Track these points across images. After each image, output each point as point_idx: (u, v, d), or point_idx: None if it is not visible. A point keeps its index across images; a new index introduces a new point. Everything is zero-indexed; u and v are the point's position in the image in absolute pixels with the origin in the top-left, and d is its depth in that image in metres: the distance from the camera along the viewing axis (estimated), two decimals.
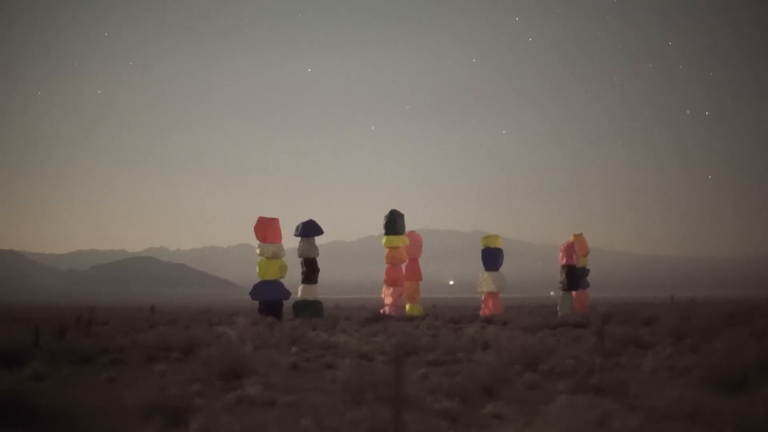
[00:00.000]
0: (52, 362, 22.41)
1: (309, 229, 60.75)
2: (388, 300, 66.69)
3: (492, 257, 65.43)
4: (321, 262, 61.78)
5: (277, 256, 57.77)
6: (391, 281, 66.70)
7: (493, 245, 66.01)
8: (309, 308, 58.58)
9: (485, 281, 65.10)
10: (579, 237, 68.95)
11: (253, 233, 58.30)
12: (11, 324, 46.03)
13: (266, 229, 58.11)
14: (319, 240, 61.59)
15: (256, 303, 58.08)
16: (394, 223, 66.34)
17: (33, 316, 65.12)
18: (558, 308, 63.72)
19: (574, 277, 64.73)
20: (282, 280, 57.92)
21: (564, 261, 65.02)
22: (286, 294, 57.46)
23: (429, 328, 42.40)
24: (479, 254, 66.40)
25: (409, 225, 68.49)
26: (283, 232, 59.09)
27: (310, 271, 60.39)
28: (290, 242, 62.53)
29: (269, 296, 56.72)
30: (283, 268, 57.84)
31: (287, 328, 38.94)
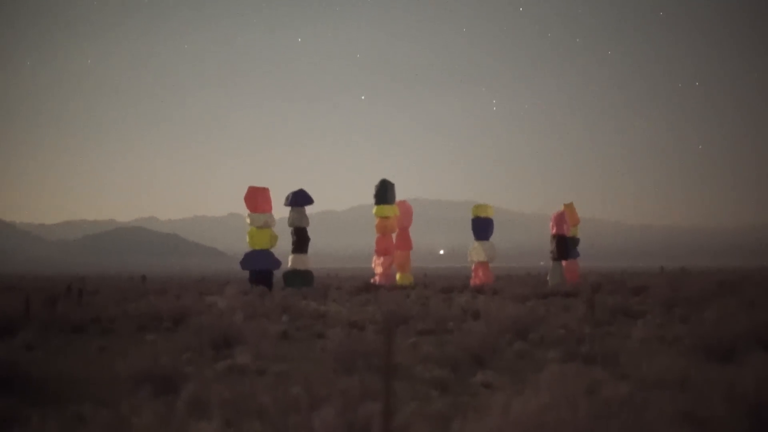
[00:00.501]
0: (43, 332, 22.39)
1: (299, 199, 60.64)
2: (379, 269, 66.72)
3: (482, 227, 65.43)
4: (311, 232, 61.72)
5: (267, 225, 57.69)
6: (382, 251, 66.70)
7: (483, 215, 66.00)
8: (299, 278, 58.59)
9: (476, 251, 65.14)
10: (569, 207, 68.94)
11: (243, 203, 58.19)
12: (1, 294, 45.96)
13: (256, 198, 57.99)
14: (309, 209, 61.49)
15: (247, 272, 58.08)
16: (384, 192, 66.25)
17: (23, 286, 65.01)
18: (548, 278, 63.82)
19: (565, 246, 64.78)
20: (272, 250, 57.88)
21: (554, 231, 65.04)
22: (277, 263, 57.45)
23: (419, 297, 42.46)
24: (470, 224, 66.39)
25: (400, 194, 68.42)
26: (273, 201, 59.01)
27: (301, 241, 60.34)
28: (281, 212, 62.55)
29: (260, 266, 56.71)
30: (274, 238, 57.79)
31: (278, 297, 38.96)
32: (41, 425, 6.88)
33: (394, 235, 67.75)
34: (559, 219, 65.16)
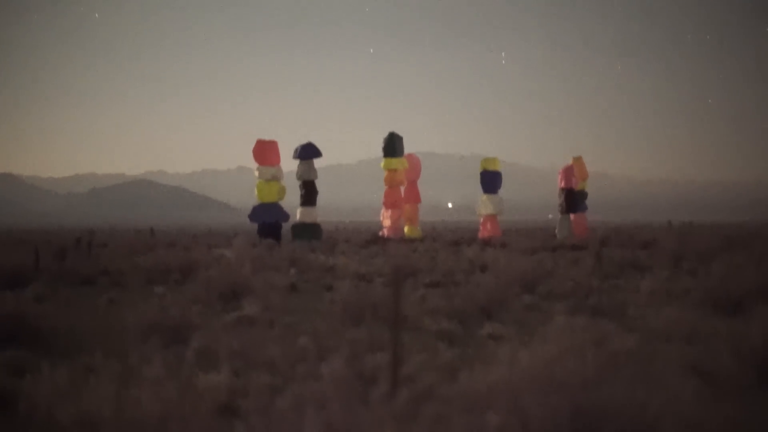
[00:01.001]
0: (53, 284, 22.49)
1: (308, 152, 60.49)
2: (387, 223, 66.72)
3: (491, 180, 65.31)
4: (320, 185, 61.64)
5: (275, 178, 57.65)
6: (390, 204, 66.64)
7: (492, 168, 65.86)
8: (308, 231, 58.63)
9: (484, 204, 65.10)
10: (578, 160, 68.73)
11: (251, 156, 58.11)
12: (11, 247, 46.12)
13: (265, 151, 57.89)
14: (317, 162, 61.36)
15: (255, 225, 58.14)
16: (392, 145, 66.05)
17: (32, 239, 65.20)
18: (556, 231, 63.81)
19: (573, 200, 64.70)
20: (281, 203, 57.87)
21: (563, 184, 64.92)
22: (285, 216, 57.49)
23: (427, 250, 42.52)
24: (478, 177, 66.27)
25: (408, 147, 68.20)
26: (281, 154, 58.87)
27: (309, 194, 60.30)
28: (289, 165, 62.40)
29: (268, 219, 56.76)
30: (282, 191, 57.76)
31: (286, 250, 39.05)
32: (52, 376, 6.92)
33: (402, 189, 67.67)
34: (568, 173, 65.01)
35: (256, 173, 58.04)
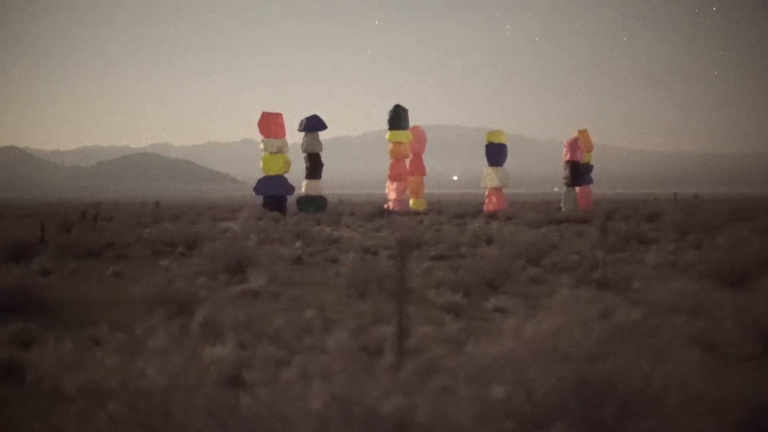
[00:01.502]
0: (59, 257, 22.57)
1: (313, 124, 60.45)
2: (392, 195, 66.73)
3: (496, 153, 65.21)
4: (325, 158, 61.66)
5: (281, 151, 57.67)
6: (395, 176, 66.61)
7: (497, 141, 65.76)
8: (313, 203, 58.70)
9: (489, 176, 65.05)
10: (583, 133, 68.64)
11: (257, 128, 58.09)
12: (17, 220, 46.21)
13: (270, 124, 57.88)
14: (322, 135, 61.33)
15: (261, 198, 58.19)
16: (398, 118, 65.94)
17: (38, 212, 65.32)
18: (562, 204, 63.85)
19: (578, 173, 64.68)
20: (286, 175, 57.88)
21: (568, 157, 64.89)
22: (290, 189, 57.55)
23: (433, 223, 42.60)
24: (483, 150, 66.18)
25: (413, 120, 68.10)
26: (286, 127, 58.94)
27: (314, 167, 60.33)
28: (294, 137, 62.42)
29: (273, 191, 56.82)
30: (287, 163, 57.78)
31: (291, 222, 39.11)
32: (57, 347, 6.95)
33: (407, 161, 67.63)
34: (573, 145, 64.94)
35: (261, 146, 58.05)
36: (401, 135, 66.02)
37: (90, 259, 23.04)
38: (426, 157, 70.71)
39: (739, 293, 12.61)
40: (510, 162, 66.87)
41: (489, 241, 26.27)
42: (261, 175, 57.96)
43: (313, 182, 60.21)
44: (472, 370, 5.21)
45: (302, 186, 60.02)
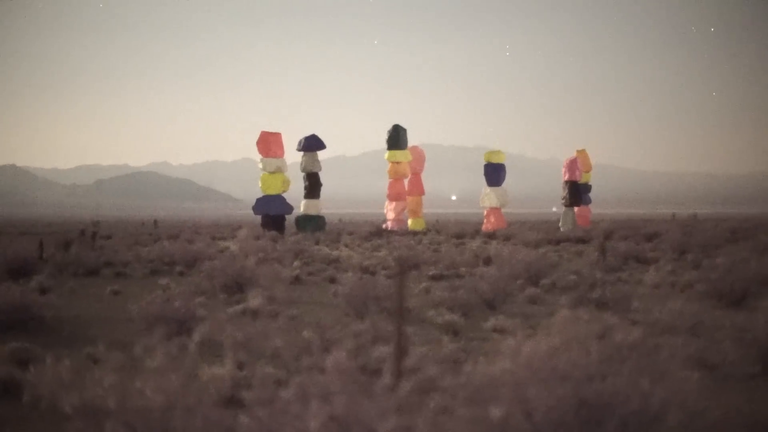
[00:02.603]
0: (58, 275, 22.57)
1: (312, 144, 60.49)
2: (391, 215, 66.76)
3: (495, 172, 65.31)
4: (323, 177, 61.69)
5: (279, 170, 57.69)
6: (394, 196, 66.66)
7: (496, 161, 65.87)
8: (312, 222, 58.69)
9: (488, 196, 65.12)
10: (582, 153, 68.82)
11: (256, 148, 58.12)
12: (16, 238, 46.18)
13: (269, 143, 57.91)
14: (321, 154, 61.38)
15: (259, 217, 58.18)
16: (397, 137, 66.06)
17: (37, 230, 65.32)
18: (560, 224, 63.88)
19: (577, 192, 64.77)
20: (285, 195, 57.89)
21: (567, 177, 64.99)
22: (289, 208, 57.55)
23: (431, 242, 42.58)
24: (482, 169, 66.27)
25: (412, 140, 68.24)
26: (285, 146, 58.91)
27: (313, 186, 60.36)
28: (293, 157, 62.44)
29: (272, 210, 56.80)
30: (286, 183, 57.79)
31: (290, 242, 39.09)
32: (56, 366, 6.94)
33: (406, 181, 67.69)
34: (572, 165, 65.04)
35: (260, 165, 58.07)
36: (400, 155, 66.11)
37: (88, 278, 23.02)
38: (425, 177, 70.77)
39: (738, 313, 12.61)
40: (509, 181, 66.93)
41: (488, 261, 26.26)
42: (260, 195, 57.97)
43: (312, 201, 60.21)
44: (470, 390, 5.20)
45: (301, 205, 60.04)
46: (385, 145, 67.00)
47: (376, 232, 53.95)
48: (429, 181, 75.39)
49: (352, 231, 58.05)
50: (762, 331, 9.40)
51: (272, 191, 57.28)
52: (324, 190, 61.63)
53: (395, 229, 62.49)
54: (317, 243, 41.91)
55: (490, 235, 50.27)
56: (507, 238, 45.41)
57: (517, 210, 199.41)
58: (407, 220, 67.35)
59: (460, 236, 50.55)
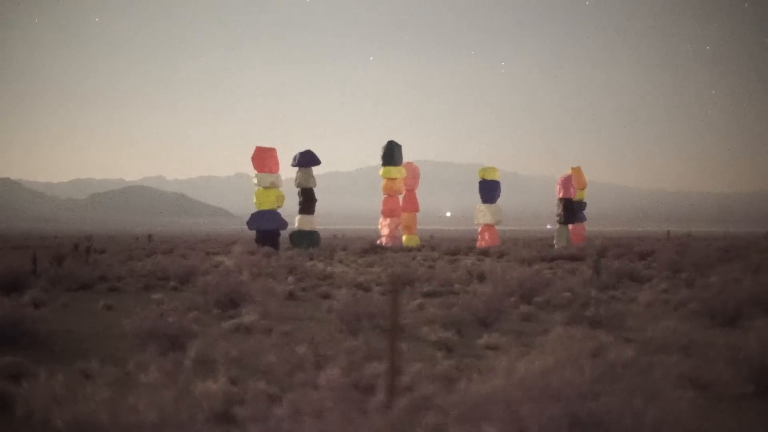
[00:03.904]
0: (51, 289, 22.52)
1: (306, 159, 60.48)
2: (385, 231, 66.76)
3: (489, 189, 65.37)
4: (318, 193, 61.66)
5: (274, 186, 57.65)
6: (388, 212, 66.68)
7: (490, 177, 65.94)
8: (306, 238, 58.63)
9: (482, 213, 65.14)
10: (577, 170, 68.88)
11: (250, 163, 58.12)
12: (9, 252, 46.10)
13: (264, 158, 57.89)
14: (316, 170, 61.39)
15: (254, 233, 58.12)
16: (391, 154, 66.13)
17: (31, 244, 65.20)
18: (555, 241, 63.87)
19: (571, 210, 64.79)
20: (279, 210, 57.85)
21: (561, 194, 65.02)
22: (283, 224, 57.48)
23: (425, 259, 42.56)
24: (477, 186, 66.36)
25: (407, 156, 68.33)
26: (280, 162, 58.89)
27: (307, 202, 60.32)
28: (287, 172, 62.46)
29: (266, 226, 56.73)
30: (281, 198, 57.75)
31: (284, 257, 39.05)
32: (48, 381, 6.93)
33: (400, 197, 67.74)
34: (566, 182, 65.09)
35: (255, 180, 58.04)
36: (395, 171, 66.18)
37: (82, 292, 22.96)
38: (419, 193, 70.81)
39: (732, 332, 12.63)
40: (503, 198, 66.99)
41: (482, 278, 26.24)
42: (254, 210, 57.92)
43: (306, 217, 60.17)
44: (464, 407, 5.21)
45: (295, 221, 59.99)
46: (379, 161, 67.07)
47: (371, 249, 53.91)
48: (423, 197, 75.48)
49: (346, 247, 58.01)
50: (755, 350, 9.41)
51: (267, 206, 57.23)
52: (318, 206, 61.59)
53: (389, 245, 62.49)
54: (311, 259, 41.89)
55: (485, 252, 50.26)
56: (501, 255, 45.42)
57: (511, 227, 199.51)
58: (401, 236, 67.36)
59: (454, 253, 50.54)
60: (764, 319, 12.43)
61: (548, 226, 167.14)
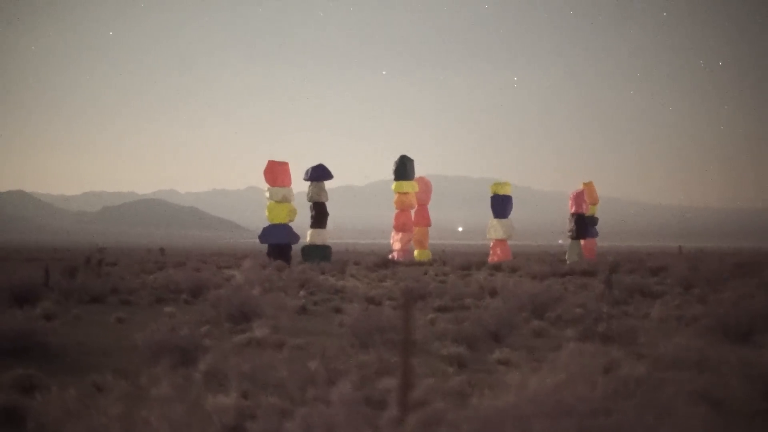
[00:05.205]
0: (63, 302, 22.58)
1: (319, 173, 60.59)
2: (397, 245, 66.83)
3: (501, 204, 65.40)
4: (330, 207, 61.72)
5: (286, 199, 57.72)
6: (400, 226, 66.76)
7: (502, 192, 65.96)
8: (318, 252, 58.68)
9: (494, 228, 65.15)
10: (588, 185, 68.83)
11: (262, 177, 58.23)
12: (22, 264, 46.23)
13: (276, 172, 57.99)
14: (328, 184, 61.45)
15: (265, 246, 58.19)
16: (403, 168, 66.23)
17: (43, 256, 65.41)
18: (566, 256, 63.78)
19: (583, 225, 64.73)
20: (291, 224, 57.92)
21: (573, 209, 64.97)
22: (295, 238, 57.52)
23: (437, 274, 42.54)
24: (489, 201, 66.38)
25: (419, 170, 68.39)
26: (292, 175, 58.99)
27: (319, 216, 60.39)
28: (300, 186, 62.54)
29: (278, 240, 56.79)
30: (293, 212, 57.81)
31: (296, 271, 39.07)
32: (60, 394, 6.94)
33: (412, 211, 67.80)
34: (578, 198, 65.04)
35: (267, 194, 58.13)
36: (407, 185, 66.28)
37: (94, 305, 23.00)
38: (431, 208, 70.91)
39: (745, 348, 12.57)
40: (515, 213, 66.99)
41: (493, 293, 26.21)
42: (266, 223, 58.00)
43: (318, 231, 60.24)
44: (476, 423, 5.20)
45: (307, 235, 60.06)
46: (392, 176, 67.17)
47: (382, 263, 53.94)
48: (435, 212, 75.54)
49: (358, 261, 58.02)
50: None
51: (279, 220, 57.30)
52: (330, 220, 61.68)
53: (401, 259, 62.52)
54: (323, 273, 41.89)
55: (496, 267, 50.22)
56: (513, 270, 45.37)
57: (523, 242, 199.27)
58: (413, 250, 67.40)
59: (466, 267, 50.50)
60: None
61: (560, 242, 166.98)
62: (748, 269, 40.71)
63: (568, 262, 58.91)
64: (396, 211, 67.11)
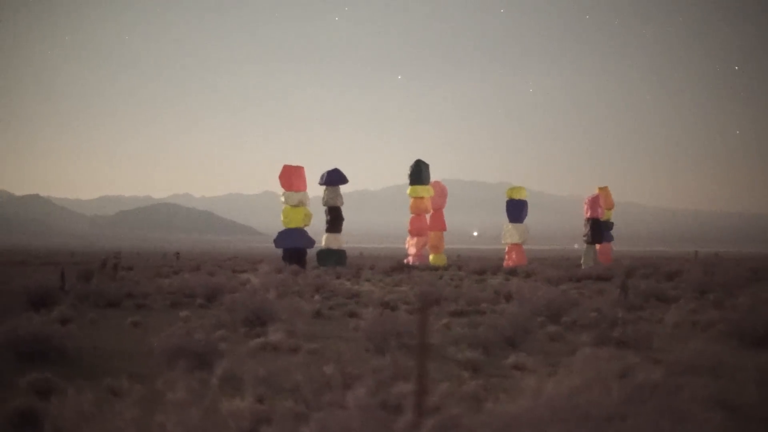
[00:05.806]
0: (79, 306, 22.66)
1: (334, 178, 60.69)
2: (412, 250, 66.85)
3: (517, 209, 65.30)
4: (345, 211, 61.81)
5: (301, 204, 57.83)
6: (416, 231, 66.77)
7: (517, 197, 65.87)
8: (333, 257, 58.74)
9: (509, 233, 65.05)
10: (604, 190, 68.68)
11: (278, 181, 58.34)
12: (38, 268, 46.44)
13: (291, 177, 58.12)
14: (343, 189, 61.59)
15: (281, 251, 58.27)
16: (419, 173, 66.23)
17: (59, 260, 65.65)
18: (582, 261, 63.65)
19: (599, 230, 64.58)
20: (306, 229, 58.01)
21: (588, 214, 64.84)
22: (310, 242, 57.60)
23: (452, 278, 42.50)
24: (504, 205, 66.30)
25: (434, 175, 68.43)
26: (308, 180, 59.15)
27: (335, 220, 60.47)
28: (315, 191, 62.72)
29: (293, 244, 56.89)
30: (308, 217, 57.91)
31: (311, 276, 39.12)
32: (77, 398, 6.97)
33: (428, 216, 67.81)
34: (594, 202, 64.90)
35: (282, 198, 58.24)
36: (422, 190, 66.29)
37: (109, 309, 23.08)
38: (446, 213, 70.86)
39: (761, 354, 12.52)
40: (530, 218, 66.91)
41: (508, 298, 26.17)
42: (281, 228, 58.10)
43: (334, 236, 60.31)
44: (491, 428, 5.19)
45: (322, 239, 60.13)
46: (407, 180, 67.18)
47: (398, 267, 53.95)
48: (451, 216, 75.44)
49: (373, 265, 58.05)
50: None
51: (294, 225, 57.42)
52: (346, 225, 61.77)
53: (416, 264, 62.51)
54: (338, 277, 41.92)
55: (512, 272, 50.16)
56: (528, 275, 45.30)
57: (538, 247, 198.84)
58: (428, 255, 67.39)
59: (481, 272, 50.46)
60: None
61: (575, 246, 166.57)
62: (764, 274, 40.55)
63: (583, 266, 58.80)
64: (411, 215, 67.12)
